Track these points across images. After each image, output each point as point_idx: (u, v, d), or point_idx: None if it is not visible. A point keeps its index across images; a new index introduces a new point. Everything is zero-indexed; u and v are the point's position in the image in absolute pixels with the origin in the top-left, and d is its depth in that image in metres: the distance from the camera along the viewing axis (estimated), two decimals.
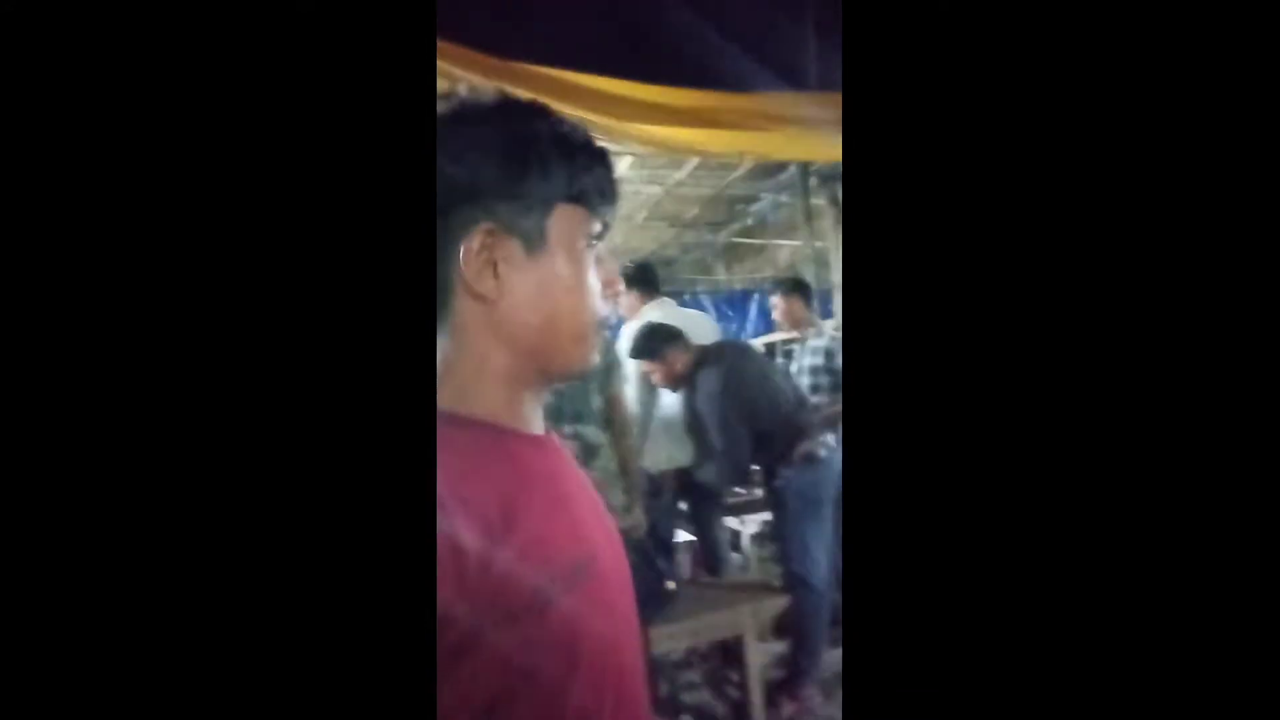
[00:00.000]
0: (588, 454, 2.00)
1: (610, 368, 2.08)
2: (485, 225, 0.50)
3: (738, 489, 3.11)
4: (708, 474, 2.45)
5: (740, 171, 4.27)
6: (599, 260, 0.56)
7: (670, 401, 2.51)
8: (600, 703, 0.50)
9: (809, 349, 2.85)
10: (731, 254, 6.27)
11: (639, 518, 2.08)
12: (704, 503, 2.70)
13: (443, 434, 0.45)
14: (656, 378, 2.40)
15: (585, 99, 2.07)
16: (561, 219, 0.52)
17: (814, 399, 2.65)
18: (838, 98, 2.74)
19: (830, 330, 2.96)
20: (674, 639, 2.07)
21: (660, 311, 2.64)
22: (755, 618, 2.14)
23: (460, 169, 0.50)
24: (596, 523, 0.56)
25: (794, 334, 3.01)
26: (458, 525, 0.43)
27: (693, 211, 5.04)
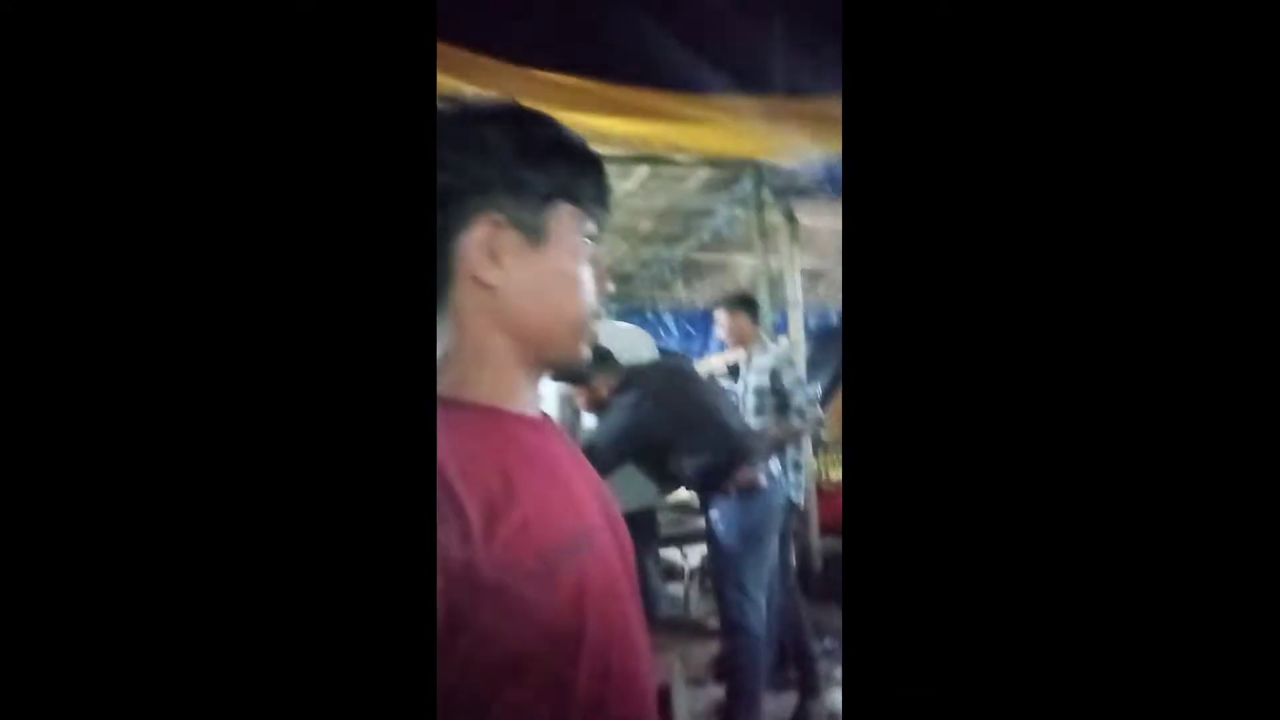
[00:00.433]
0: None
1: None
2: (491, 216, 0.53)
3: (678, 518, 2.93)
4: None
5: (691, 183, 4.12)
6: (594, 260, 0.58)
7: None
8: (604, 682, 0.50)
9: (754, 368, 2.68)
10: (692, 270, 6.13)
11: None
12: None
13: (443, 418, 0.46)
14: (580, 402, 2.21)
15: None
16: (560, 217, 0.55)
17: (757, 421, 2.48)
18: (792, 100, 2.65)
19: (776, 349, 2.80)
20: None
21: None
22: (684, 661, 1.95)
23: (463, 164, 0.52)
24: (596, 501, 0.57)
25: (738, 351, 2.84)
26: (461, 497, 0.45)
27: (647, 225, 4.88)
